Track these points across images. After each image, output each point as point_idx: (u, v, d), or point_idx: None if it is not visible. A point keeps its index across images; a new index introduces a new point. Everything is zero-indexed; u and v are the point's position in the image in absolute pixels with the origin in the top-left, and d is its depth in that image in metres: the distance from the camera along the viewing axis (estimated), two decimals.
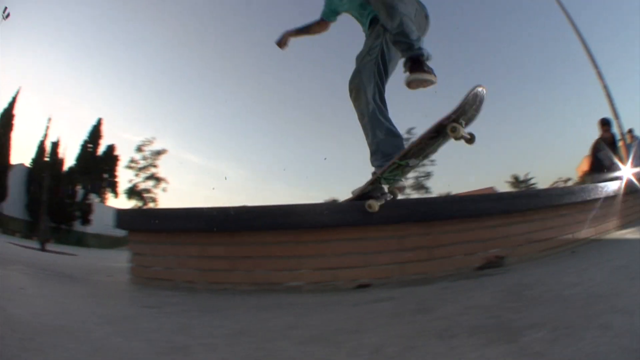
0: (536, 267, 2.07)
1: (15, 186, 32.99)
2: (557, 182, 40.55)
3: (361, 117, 2.56)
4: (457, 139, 2.24)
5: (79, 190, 38.22)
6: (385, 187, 2.46)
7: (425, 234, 2.24)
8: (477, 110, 2.30)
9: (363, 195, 2.40)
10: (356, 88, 2.54)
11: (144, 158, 41.28)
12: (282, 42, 3.12)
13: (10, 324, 1.31)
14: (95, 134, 41.03)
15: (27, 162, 36.19)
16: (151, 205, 39.89)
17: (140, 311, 1.75)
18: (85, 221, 37.76)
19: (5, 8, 30.48)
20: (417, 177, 38.47)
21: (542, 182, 43.78)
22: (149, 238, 2.53)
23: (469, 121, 2.29)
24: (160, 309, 1.77)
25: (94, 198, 39.18)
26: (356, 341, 1.14)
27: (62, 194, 34.27)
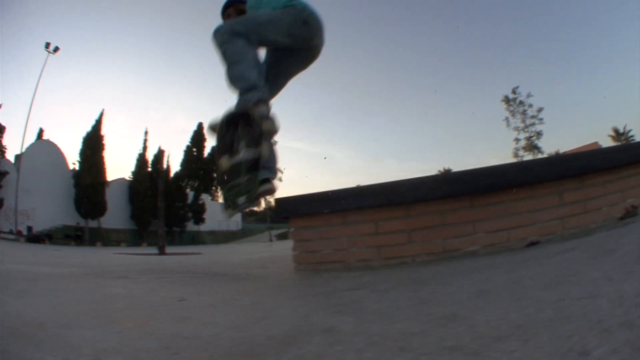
0: None
1: (114, 200, 35.82)
2: None
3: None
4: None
5: (189, 192, 40.99)
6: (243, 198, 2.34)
7: (578, 189, 2.29)
8: (243, 134, 2.11)
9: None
10: None
11: None
12: None
13: (213, 352, 1.05)
14: (197, 138, 43.59)
15: (127, 175, 39.23)
16: (268, 195, 41.31)
17: (353, 294, 1.69)
18: (199, 220, 40.53)
19: (49, 44, 32.85)
20: (529, 137, 37.56)
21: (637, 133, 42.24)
22: (315, 222, 2.58)
23: (245, 144, 2.12)
24: (368, 288, 1.76)
25: (205, 198, 41.68)
26: (587, 279, 1.26)
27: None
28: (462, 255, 2.20)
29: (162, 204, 15.08)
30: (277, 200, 2.81)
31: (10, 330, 1.27)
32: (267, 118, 2.15)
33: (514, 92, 40.93)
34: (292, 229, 2.71)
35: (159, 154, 39.78)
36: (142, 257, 7.40)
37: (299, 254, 2.65)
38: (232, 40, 2.32)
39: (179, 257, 7.60)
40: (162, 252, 10.98)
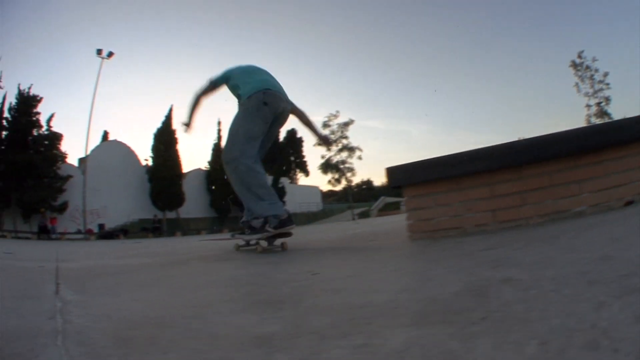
0: None
1: (192, 190, 37.75)
2: None
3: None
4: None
5: (268, 177, 43.45)
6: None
7: None
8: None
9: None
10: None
11: (332, 132, 42.83)
12: (189, 127, 3.72)
13: (407, 314, 0.99)
14: None
15: (203, 165, 41.21)
16: (349, 174, 43.12)
17: (494, 253, 1.70)
18: None
19: (101, 50, 33.55)
20: (599, 103, 36.75)
21: None
22: (430, 189, 2.63)
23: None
24: (504, 248, 1.81)
25: (284, 181, 43.27)
26: None
27: None
28: (570, 215, 2.33)
29: None
30: (388, 170, 2.79)
31: (110, 337, 1.03)
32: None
33: (579, 56, 39.34)
34: (405, 198, 2.79)
35: None
36: (230, 241, 7.26)
37: (414, 222, 2.75)
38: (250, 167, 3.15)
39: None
40: None
